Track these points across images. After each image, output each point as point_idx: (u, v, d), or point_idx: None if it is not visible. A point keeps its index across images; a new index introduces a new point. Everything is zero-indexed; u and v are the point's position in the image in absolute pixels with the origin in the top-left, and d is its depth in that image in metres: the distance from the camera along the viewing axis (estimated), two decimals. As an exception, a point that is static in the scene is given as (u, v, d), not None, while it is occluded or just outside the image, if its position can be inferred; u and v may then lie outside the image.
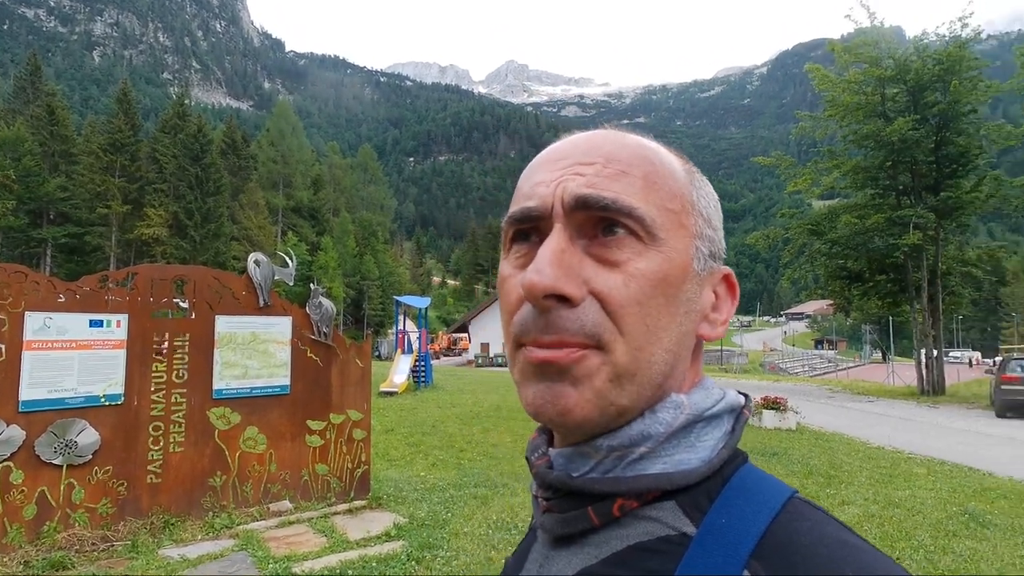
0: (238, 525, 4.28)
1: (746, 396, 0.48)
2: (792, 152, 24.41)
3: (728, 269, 0.48)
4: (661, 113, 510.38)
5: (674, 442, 0.42)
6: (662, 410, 0.42)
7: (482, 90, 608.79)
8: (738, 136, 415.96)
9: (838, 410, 14.78)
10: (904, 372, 29.93)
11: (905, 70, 19.63)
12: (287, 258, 5.13)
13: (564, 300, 0.40)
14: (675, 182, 0.45)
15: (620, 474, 0.42)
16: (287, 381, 4.87)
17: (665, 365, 0.42)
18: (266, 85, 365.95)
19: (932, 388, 18.26)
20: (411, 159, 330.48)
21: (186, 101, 53.52)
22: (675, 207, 0.44)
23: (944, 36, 20.05)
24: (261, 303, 4.78)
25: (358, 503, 4.89)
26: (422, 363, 14.99)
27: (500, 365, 39.19)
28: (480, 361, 40.66)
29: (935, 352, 18.69)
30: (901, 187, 20.01)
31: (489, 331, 43.19)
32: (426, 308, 15.78)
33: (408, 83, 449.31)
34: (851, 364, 50.08)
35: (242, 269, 5.53)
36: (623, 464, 0.42)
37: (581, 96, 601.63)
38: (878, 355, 69.19)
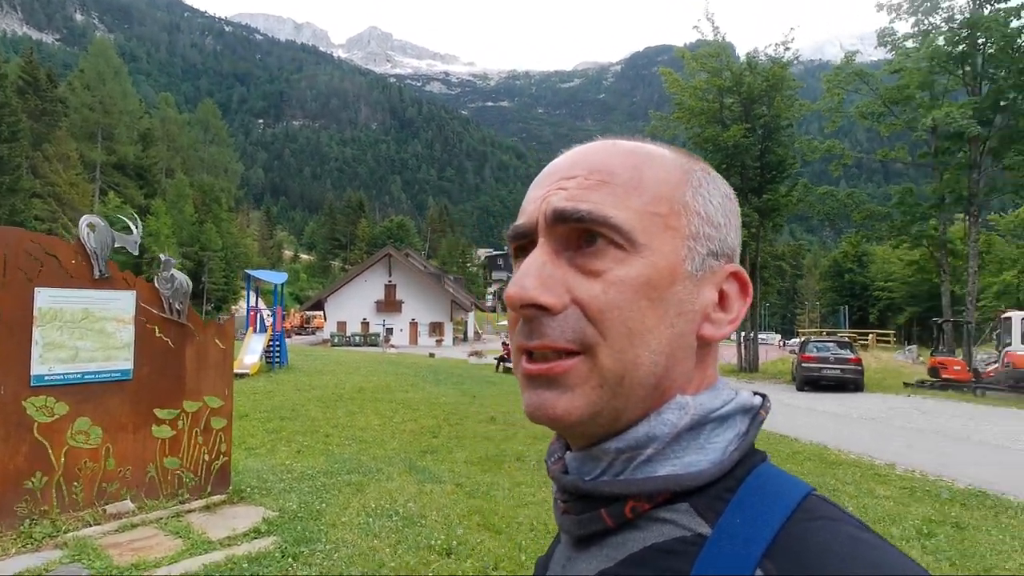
0: (65, 532, 3.67)
1: (763, 396, 0.48)
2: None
3: (736, 267, 0.47)
4: (524, 99, 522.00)
5: (683, 444, 0.43)
6: (667, 411, 0.43)
7: (342, 55, 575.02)
8: (594, 128, 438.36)
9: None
10: (723, 351, 34.16)
11: (740, 83, 22.08)
12: (131, 224, 4.43)
13: (545, 309, 0.42)
14: (663, 185, 0.45)
15: (630, 476, 0.43)
16: (129, 365, 4.24)
17: (655, 366, 0.43)
18: (78, 17, 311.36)
19: (749, 365, 21.07)
20: (260, 121, 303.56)
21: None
22: (661, 210, 0.44)
23: (770, 56, 22.84)
24: (96, 274, 4.09)
25: (216, 498, 4.44)
26: (277, 343, 13.99)
27: (358, 344, 37.92)
28: (336, 340, 39.00)
29: (752, 335, 21.57)
30: (733, 188, 22.56)
31: (347, 309, 41.51)
32: (282, 284, 14.70)
33: (258, 37, 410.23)
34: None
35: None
36: (632, 466, 0.43)
37: (447, 73, 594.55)
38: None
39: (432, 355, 26.75)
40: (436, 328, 42.56)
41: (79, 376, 4.03)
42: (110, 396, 4.14)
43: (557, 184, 0.46)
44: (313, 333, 48.13)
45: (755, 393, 0.48)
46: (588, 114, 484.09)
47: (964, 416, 11.50)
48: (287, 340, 21.37)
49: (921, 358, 23.47)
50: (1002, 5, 18.23)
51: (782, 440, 8.45)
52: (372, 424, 8.02)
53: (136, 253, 4.34)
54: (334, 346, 36.74)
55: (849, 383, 15.30)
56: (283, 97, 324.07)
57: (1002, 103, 18.14)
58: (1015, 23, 17.86)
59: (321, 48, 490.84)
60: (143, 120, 60.84)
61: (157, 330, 4.38)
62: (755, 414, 0.46)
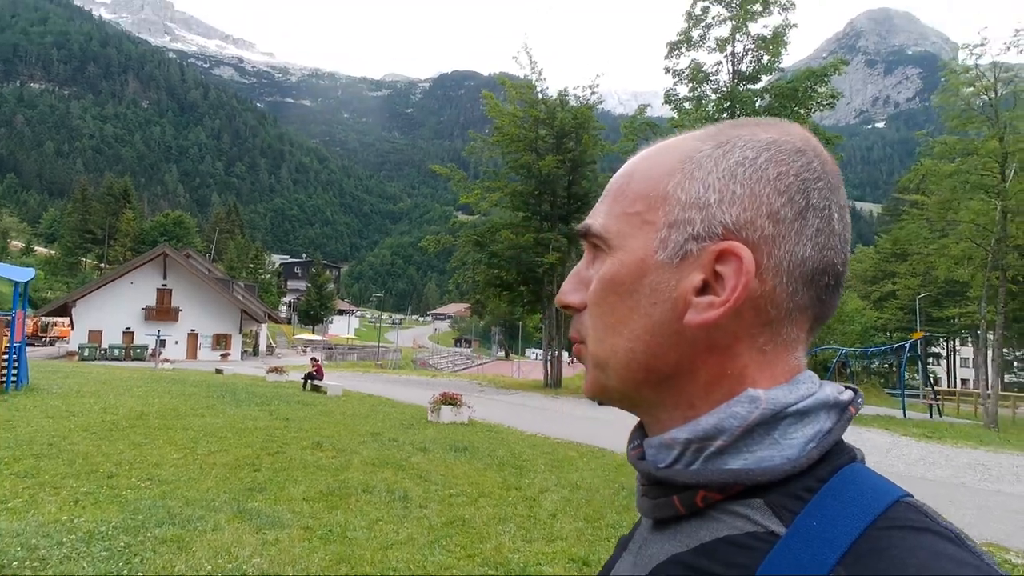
0: None
1: (854, 391, 0.47)
2: (460, 166, 26.97)
3: (728, 243, 0.44)
4: (329, 100, 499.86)
5: (755, 438, 0.43)
6: (736, 404, 0.43)
7: (105, 14, 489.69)
8: (401, 142, 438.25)
9: (491, 402, 16.72)
10: (525, 367, 36.15)
11: (553, 116, 23.85)
12: None
13: (575, 308, 0.50)
14: (646, 182, 0.48)
15: (701, 467, 0.44)
16: None
17: (632, 353, 0.46)
18: None
19: (554, 382, 22.49)
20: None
21: None
22: (639, 208, 0.47)
23: (578, 96, 25.10)
24: None
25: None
26: (14, 356, 10.88)
27: (117, 358, 31.83)
28: (87, 353, 32.21)
29: (556, 352, 23.11)
30: (544, 213, 24.15)
31: (105, 316, 34.65)
32: (27, 283, 11.50)
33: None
34: (484, 361, 57.97)
35: None
36: (703, 457, 0.44)
37: (240, 59, 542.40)
38: (502, 353, 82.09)
39: (220, 371, 23.52)
40: (221, 340, 37.77)
41: None
42: None
43: None
44: (52, 344, 39.20)
45: (846, 387, 0.47)
46: (396, 126, 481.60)
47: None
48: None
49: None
50: (751, 86, 22.57)
51: (604, 453, 8.99)
52: (170, 458, 6.57)
53: None
54: (84, 360, 30.31)
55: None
56: (16, 51, 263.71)
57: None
58: (760, 102, 22.23)
59: (75, 2, 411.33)
60: None
61: None
62: (843, 410, 0.45)
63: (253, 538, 4.12)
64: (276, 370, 20.09)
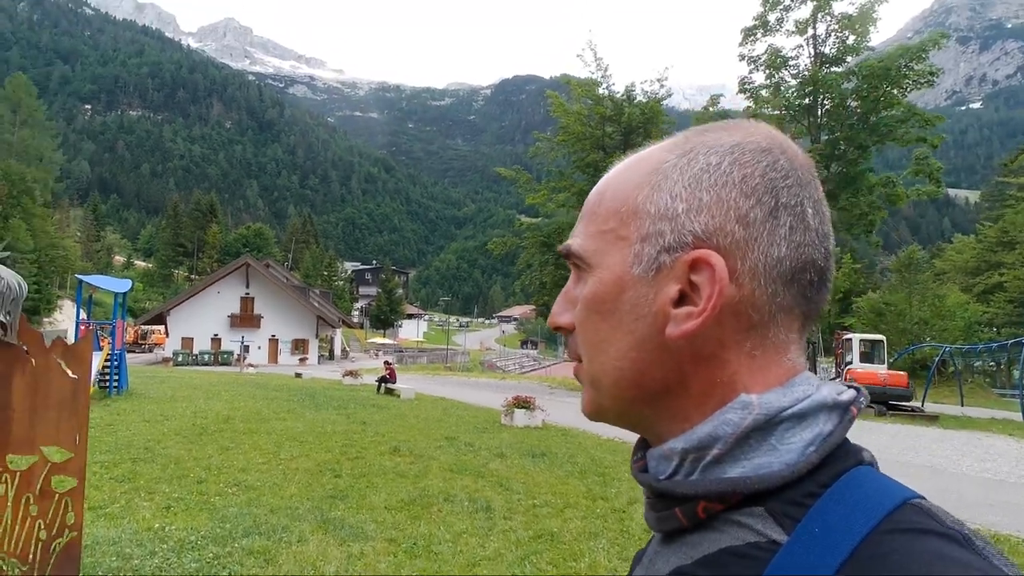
0: None
1: (857, 390, 0.45)
2: (523, 169, 26.75)
3: (699, 252, 0.43)
4: (394, 112, 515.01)
5: (753, 444, 0.42)
6: (729, 411, 0.43)
7: (193, 43, 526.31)
8: (464, 148, 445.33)
9: (563, 405, 16.28)
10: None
11: (620, 112, 23.21)
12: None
13: (566, 329, 0.50)
14: (617, 197, 0.47)
15: (699, 477, 0.43)
16: (-83, 405, 2.83)
17: (620, 371, 0.46)
18: None
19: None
20: (87, 107, 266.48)
21: None
22: (612, 225, 0.47)
23: (646, 91, 24.32)
24: None
25: (56, 593, 3.11)
26: (116, 363, 11.58)
27: (207, 364, 33.78)
28: (180, 359, 34.40)
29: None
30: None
31: (195, 324, 36.93)
32: (126, 294, 12.27)
33: (88, 11, 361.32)
34: (551, 362, 57.65)
35: None
36: (700, 467, 0.43)
37: (312, 77, 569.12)
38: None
39: (299, 375, 24.42)
40: (299, 345, 39.36)
41: None
42: None
43: None
44: (151, 350, 42.18)
45: (848, 386, 0.46)
46: (459, 133, 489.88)
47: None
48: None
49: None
50: (835, 69, 21.05)
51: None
52: (255, 463, 6.66)
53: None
54: (177, 365, 32.36)
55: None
56: (117, 82, 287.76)
57: (836, 152, 20.83)
58: (846, 85, 20.70)
59: (167, 33, 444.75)
60: (-72, 89, 49.94)
61: (-32, 352, 3.00)
62: (844, 411, 0.43)
63: (338, 551, 3.98)
64: (351, 374, 20.57)
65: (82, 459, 3.35)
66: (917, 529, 0.36)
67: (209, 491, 5.37)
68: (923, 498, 0.39)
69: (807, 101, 21.42)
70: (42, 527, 3.16)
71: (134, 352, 41.61)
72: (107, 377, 11.51)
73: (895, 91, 19.09)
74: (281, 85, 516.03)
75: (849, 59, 20.79)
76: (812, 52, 21.49)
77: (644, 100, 23.61)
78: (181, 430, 8.33)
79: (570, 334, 0.50)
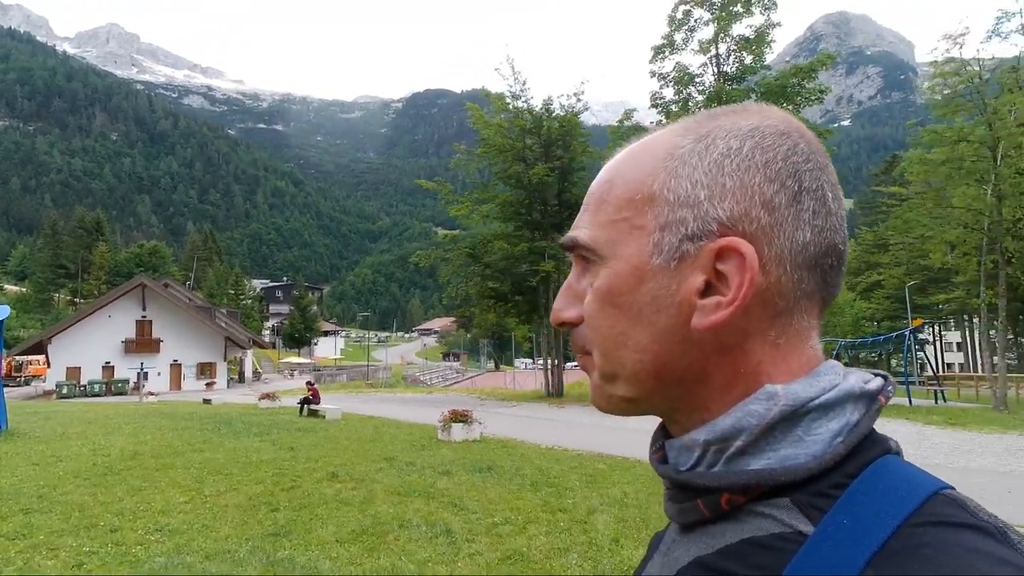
0: None
1: (884, 378, 0.44)
2: (447, 180, 26.56)
3: (726, 240, 0.42)
4: (301, 124, 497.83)
5: (777, 436, 0.41)
6: (754, 401, 0.42)
7: (70, 49, 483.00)
8: (376, 162, 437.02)
9: (496, 416, 16.13)
10: (520, 378, 35.61)
11: (539, 125, 23.59)
12: None
13: (572, 324, 0.49)
14: (630, 185, 0.46)
15: (723, 469, 0.42)
16: None
17: (640, 364, 0.44)
18: None
19: (556, 391, 21.98)
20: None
21: None
22: (626, 213, 0.45)
23: (563, 105, 24.87)
24: None
25: None
26: (-8, 400, 10.06)
27: (97, 394, 30.57)
28: (66, 391, 30.88)
29: (556, 361, 22.63)
30: (536, 223, 23.79)
31: (82, 351, 33.37)
32: (2, 321, 10.70)
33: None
34: (474, 373, 57.28)
35: None
36: (724, 459, 0.42)
37: (209, 87, 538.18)
38: (491, 364, 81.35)
39: (208, 401, 22.61)
40: (206, 369, 36.63)
41: None
42: None
43: None
44: (28, 383, 37.62)
45: (875, 374, 0.45)
46: (370, 147, 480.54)
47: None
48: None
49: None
50: (737, 86, 22.52)
51: (625, 461, 8.50)
52: (176, 503, 5.92)
53: None
54: (62, 398, 29.04)
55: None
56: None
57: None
58: (747, 100, 22.21)
59: (39, 37, 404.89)
60: None
61: None
62: (871, 400, 0.43)
63: (294, 595, 3.55)
64: (268, 396, 19.27)
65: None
66: (950, 522, 0.35)
67: (127, 540, 4.67)
68: (953, 488, 0.38)
69: (713, 116, 22.70)
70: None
71: (8, 386, 36.98)
72: (-20, 417, 9.98)
73: (790, 107, 20.69)
74: (175, 95, 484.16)
75: (749, 78, 22.31)
76: (715, 70, 22.87)
77: (562, 113, 24.15)
78: (80, 471, 7.32)
79: (574, 329, 0.48)
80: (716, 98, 22.04)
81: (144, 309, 36.13)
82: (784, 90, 20.31)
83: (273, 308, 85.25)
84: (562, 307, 0.49)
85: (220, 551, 4.40)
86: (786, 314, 0.43)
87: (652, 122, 24.75)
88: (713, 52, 22.96)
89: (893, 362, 36.97)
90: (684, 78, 23.28)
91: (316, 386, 18.35)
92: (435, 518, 5.41)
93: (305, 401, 16.51)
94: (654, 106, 23.97)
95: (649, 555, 0.54)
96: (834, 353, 25.03)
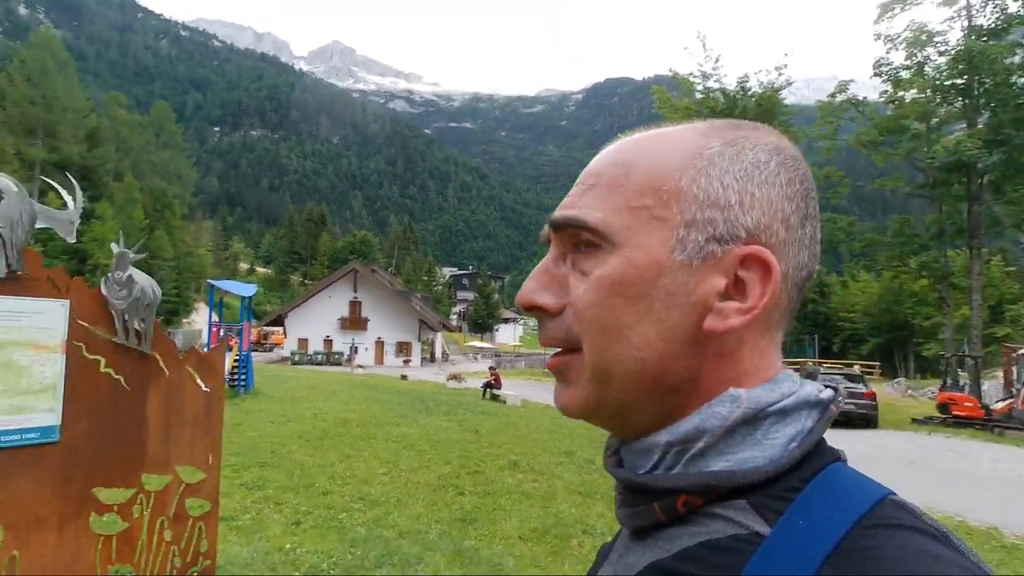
0: None
1: (835, 390, 0.46)
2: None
3: (752, 248, 0.42)
4: (487, 121, 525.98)
5: (737, 438, 0.42)
6: (718, 404, 0.42)
7: (304, 67, 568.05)
8: (556, 154, 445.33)
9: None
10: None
11: (733, 106, 21.59)
12: (65, 193, 2.85)
13: (545, 310, 0.46)
14: (653, 175, 0.44)
15: (682, 470, 0.42)
16: (55, 419, 2.62)
17: (643, 362, 0.42)
18: (22, 10, 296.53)
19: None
20: (216, 129, 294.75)
21: None
22: (648, 202, 0.44)
23: (762, 82, 22.43)
24: (2, 270, 2.48)
25: (190, 628, 2.82)
26: (243, 364, 12.09)
27: (320, 363, 35.57)
28: (297, 358, 36.49)
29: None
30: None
31: (309, 325, 39.07)
32: (251, 297, 12.85)
33: (216, 43, 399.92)
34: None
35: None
36: (684, 460, 0.42)
37: (410, 91, 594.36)
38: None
39: (404, 377, 24.89)
40: (403, 348, 40.52)
41: (-34, 439, 2.40)
42: (21, 470, 2.51)
43: (568, 194, 0.49)
44: (271, 350, 45.20)
45: (826, 385, 0.46)
46: (550, 140, 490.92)
47: (1008, 459, 10.67)
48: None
49: (910, 391, 23.11)
50: (993, 42, 18.24)
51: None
52: (377, 473, 6.40)
53: (71, 238, 2.76)
54: (295, 364, 34.31)
55: (861, 418, 14.51)
56: (241, 106, 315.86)
57: (999, 138, 18.02)
58: (1010, 59, 17.88)
59: (282, 59, 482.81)
60: (90, 119, 56.96)
61: (103, 363, 2.77)
62: (824, 409, 0.44)
63: (480, 593, 3.47)
64: (455, 377, 20.57)
65: (215, 481, 3.05)
66: (899, 525, 0.36)
67: (335, 505, 5.10)
68: (896, 494, 0.39)
69: (961, 81, 18.74)
70: (176, 554, 2.88)
71: (257, 352, 44.87)
72: (235, 377, 12.02)
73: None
74: (382, 100, 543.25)
75: (1015, 29, 17.97)
76: (966, 24, 18.83)
77: (760, 91, 21.80)
78: (303, 433, 8.34)
79: (549, 317, 0.46)
80: (965, 59, 18.14)
81: (355, 291, 41.07)
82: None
83: (460, 294, 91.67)
84: (534, 290, 0.46)
85: (412, 530, 4.56)
86: (775, 327, 0.44)
87: (881, 93, 20.97)
88: (963, 2, 18.92)
89: None
90: (920, 38, 19.56)
91: (497, 371, 19.09)
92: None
93: (488, 385, 17.24)
94: (877, 74, 20.55)
95: (599, 563, 0.51)
96: None
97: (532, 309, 0.46)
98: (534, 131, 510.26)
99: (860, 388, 14.89)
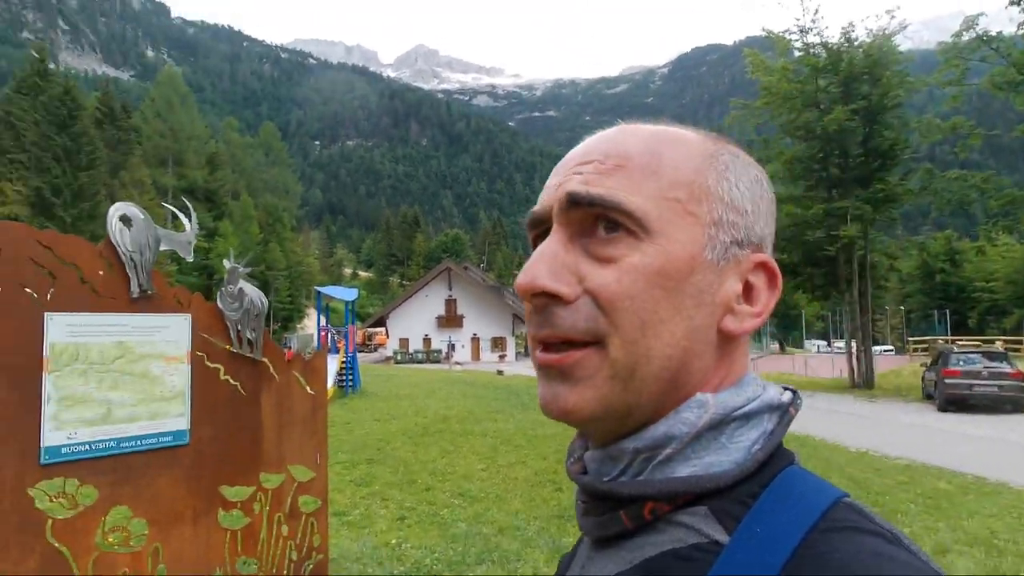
0: None
1: (794, 392, 0.46)
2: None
3: (764, 256, 0.44)
4: (571, 107, 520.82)
5: (703, 443, 0.41)
6: (685, 409, 0.42)
7: (391, 73, 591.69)
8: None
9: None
10: (812, 363, 31.23)
11: (838, 60, 19.74)
12: (182, 216, 3.12)
13: (557, 298, 0.42)
14: (683, 169, 0.44)
15: (648, 477, 0.42)
16: (185, 424, 2.90)
17: (669, 360, 0.41)
18: (149, 53, 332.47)
19: (864, 381, 18.56)
20: (317, 142, 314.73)
21: (48, 61, 46.19)
22: (680, 195, 0.43)
23: (870, 29, 20.20)
24: (135, 290, 2.77)
25: (308, 616, 3.04)
26: (349, 365, 12.87)
27: (421, 361, 37.08)
28: (400, 357, 38.27)
29: (863, 345, 19.05)
30: (834, 179, 20.20)
31: (409, 325, 40.80)
32: (354, 301, 13.64)
33: (312, 61, 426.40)
34: (755, 355, 52.66)
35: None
36: (651, 467, 0.42)
37: (492, 86, 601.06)
38: (775, 346, 73.91)
39: (500, 372, 25.34)
40: (498, 343, 41.25)
41: (114, 444, 2.71)
42: (159, 472, 2.80)
43: (574, 170, 0.45)
44: (375, 350, 47.75)
45: (785, 388, 0.46)
46: (637, 118, 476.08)
47: None
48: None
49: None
50: None
51: (998, 488, 6.46)
52: (475, 469, 6.56)
53: (190, 257, 3.02)
54: (397, 363, 36.00)
55: (1007, 402, 12.86)
56: (337, 118, 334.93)
57: None
58: None
59: (371, 68, 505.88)
60: (209, 144, 62.88)
61: (222, 370, 3.03)
62: (784, 412, 0.44)
63: (580, 590, 3.45)
64: (551, 371, 20.59)
65: (324, 480, 3.25)
66: (854, 528, 0.36)
67: (437, 501, 5.29)
68: (849, 495, 0.40)
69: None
70: (292, 548, 3.10)
71: (362, 352, 47.54)
72: (344, 377, 12.81)
73: None
74: (466, 98, 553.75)
75: None
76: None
77: (868, 40, 19.73)
78: (406, 429, 8.72)
79: (559, 305, 0.42)
80: None
81: (450, 289, 42.33)
82: None
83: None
84: (545, 273, 0.42)
85: (511, 526, 4.62)
86: (752, 333, 0.45)
87: (1021, 24, 18.01)
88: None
89: None
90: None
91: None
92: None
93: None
94: (1015, 2, 17.87)
95: (560, 575, 0.51)
96: None
97: (540, 296, 0.42)
98: (619, 112, 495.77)
99: (1004, 367, 13.19)
